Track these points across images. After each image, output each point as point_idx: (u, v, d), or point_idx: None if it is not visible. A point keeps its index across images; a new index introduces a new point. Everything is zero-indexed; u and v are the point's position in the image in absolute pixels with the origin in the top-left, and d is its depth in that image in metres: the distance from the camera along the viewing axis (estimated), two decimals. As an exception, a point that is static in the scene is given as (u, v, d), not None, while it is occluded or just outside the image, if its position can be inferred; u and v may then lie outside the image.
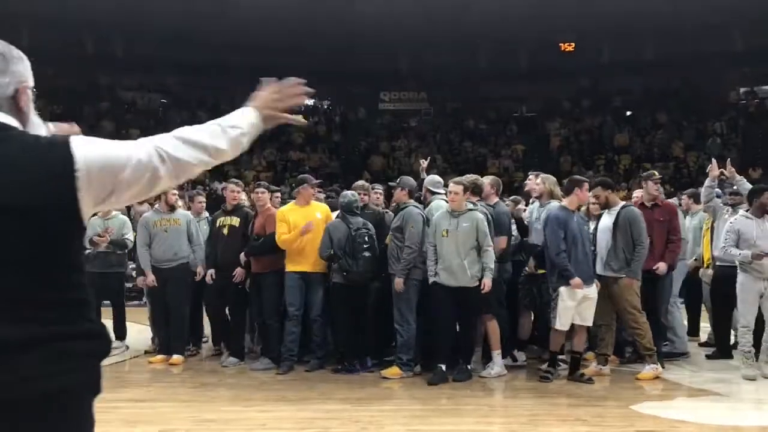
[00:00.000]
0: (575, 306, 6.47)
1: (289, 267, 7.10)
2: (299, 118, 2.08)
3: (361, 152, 25.38)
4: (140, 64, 24.39)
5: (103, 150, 1.68)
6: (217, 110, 22.82)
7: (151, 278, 7.64)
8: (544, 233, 6.62)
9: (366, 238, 6.91)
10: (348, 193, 7.25)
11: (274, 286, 7.17)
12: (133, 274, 10.26)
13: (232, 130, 1.86)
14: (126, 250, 8.67)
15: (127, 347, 8.46)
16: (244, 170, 23.29)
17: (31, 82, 1.81)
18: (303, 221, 7.01)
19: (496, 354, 6.82)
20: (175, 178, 1.78)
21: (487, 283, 6.50)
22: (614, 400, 5.93)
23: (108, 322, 8.31)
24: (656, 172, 7.68)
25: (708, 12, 21.07)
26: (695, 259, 8.21)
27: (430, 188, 7.42)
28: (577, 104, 26.26)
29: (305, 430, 5.15)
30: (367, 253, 6.88)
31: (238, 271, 7.37)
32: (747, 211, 6.88)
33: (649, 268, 6.94)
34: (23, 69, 1.79)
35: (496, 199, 7.29)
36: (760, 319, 6.82)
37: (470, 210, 6.58)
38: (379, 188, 8.14)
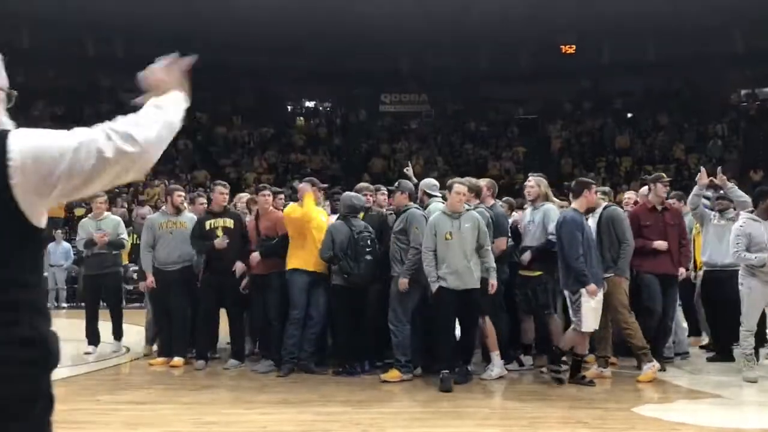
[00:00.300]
0: (598, 307, 6.42)
1: (296, 264, 7.02)
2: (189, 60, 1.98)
3: (361, 154, 25.38)
4: (141, 65, 24.38)
5: (39, 140, 1.59)
6: (217, 111, 22.91)
7: (150, 280, 7.63)
8: (558, 236, 6.46)
9: (368, 242, 6.91)
10: (351, 195, 7.21)
11: (280, 287, 7.14)
12: (135, 276, 10.29)
13: (168, 112, 1.79)
14: (120, 251, 8.68)
15: (128, 349, 8.47)
16: (245, 172, 23.31)
17: (5, 84, 1.78)
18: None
19: (495, 355, 6.82)
20: (136, 157, 1.65)
21: (494, 283, 6.54)
22: (615, 402, 5.92)
23: (107, 324, 8.37)
24: (665, 174, 7.60)
25: (709, 13, 21.08)
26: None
27: (428, 191, 7.42)
28: (578, 106, 26.27)
29: (306, 432, 5.14)
30: (369, 257, 6.88)
31: (239, 266, 7.32)
32: (752, 212, 6.85)
33: (666, 272, 6.99)
34: None
35: (493, 201, 7.32)
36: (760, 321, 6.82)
37: (468, 210, 6.58)
38: (385, 190, 8.11)
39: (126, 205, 18.35)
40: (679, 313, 8.02)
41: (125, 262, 12.52)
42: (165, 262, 7.64)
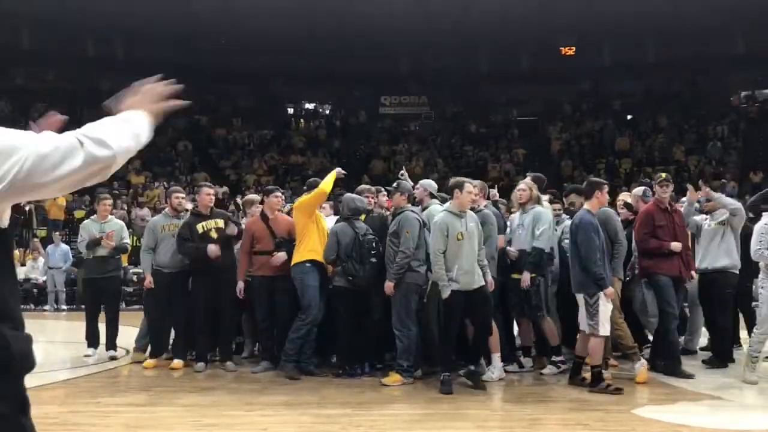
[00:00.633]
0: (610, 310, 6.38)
1: (310, 255, 6.94)
2: (181, 102, 1.94)
3: (361, 156, 25.40)
4: (141, 66, 24.43)
5: (3, 140, 1.56)
6: (217, 113, 22.96)
7: (149, 280, 7.62)
8: (573, 240, 6.36)
9: (373, 244, 6.91)
10: (354, 197, 7.18)
11: (288, 289, 7.10)
12: (135, 278, 10.30)
13: (135, 125, 1.76)
14: (121, 255, 8.66)
15: (128, 351, 8.45)
16: (245, 174, 23.31)
17: None
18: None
19: (497, 357, 6.80)
20: (107, 162, 1.63)
21: (490, 280, 6.54)
22: (615, 404, 5.90)
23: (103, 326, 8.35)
24: (663, 174, 7.53)
25: (709, 14, 21.11)
26: None
27: (431, 191, 7.43)
28: (578, 108, 26.28)
29: (306, 434, 5.13)
30: (373, 259, 6.88)
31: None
32: None
33: (680, 274, 6.96)
34: None
35: (485, 203, 7.32)
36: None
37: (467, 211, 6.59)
38: (386, 192, 8.09)
39: (126, 207, 18.35)
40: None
41: (125, 264, 12.53)
42: (166, 265, 7.61)
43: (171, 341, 7.98)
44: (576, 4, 21.01)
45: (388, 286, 6.66)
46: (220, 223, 7.50)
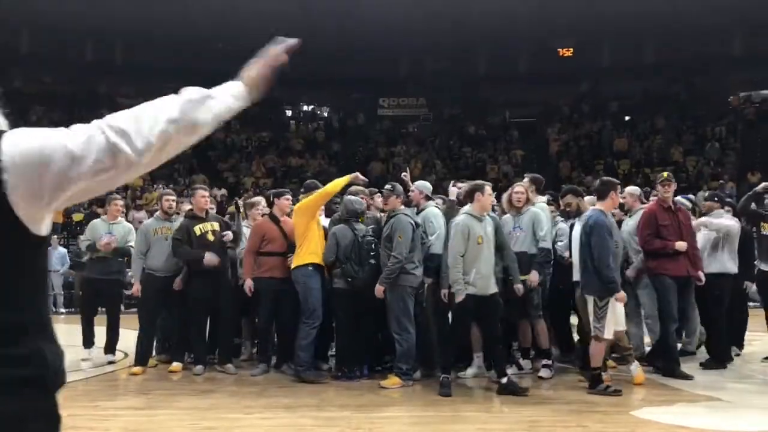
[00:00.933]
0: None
1: (312, 258, 6.92)
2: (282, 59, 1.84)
3: (360, 158, 25.40)
4: (139, 71, 24.43)
5: (31, 140, 1.45)
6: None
7: (136, 288, 7.55)
8: (586, 241, 6.28)
9: (372, 246, 6.91)
10: (352, 199, 7.17)
11: (294, 292, 7.06)
12: (132, 281, 10.24)
13: (207, 99, 1.62)
14: (124, 257, 8.63)
15: (126, 354, 8.44)
16: (243, 177, 23.32)
17: None
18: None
19: (478, 357, 6.90)
20: (133, 152, 1.49)
21: (520, 287, 6.64)
22: (614, 405, 5.91)
23: (103, 329, 8.34)
24: (666, 174, 7.44)
25: (707, 16, 21.14)
26: None
27: (428, 194, 7.44)
28: (576, 109, 26.30)
29: (305, 437, 5.13)
30: (372, 261, 6.88)
31: (208, 257, 7.21)
32: None
33: (687, 274, 6.89)
34: None
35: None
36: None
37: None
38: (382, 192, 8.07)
39: (124, 210, 18.33)
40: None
41: (125, 267, 12.50)
42: (159, 268, 7.56)
43: (156, 344, 7.99)
44: (574, 6, 21.03)
45: (379, 290, 6.65)
46: (216, 225, 7.48)
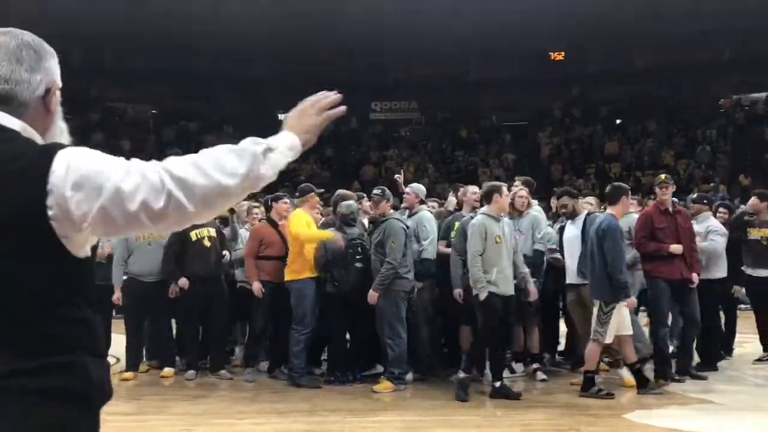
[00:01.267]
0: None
1: (309, 273, 6.94)
2: (339, 109, 1.85)
3: (352, 162, 25.40)
4: (130, 74, 24.37)
5: (85, 165, 1.41)
6: (208, 121, 22.90)
7: (117, 296, 7.39)
8: (599, 245, 6.26)
9: (359, 249, 6.89)
10: (345, 203, 7.18)
11: (288, 296, 7.06)
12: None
13: (259, 146, 1.55)
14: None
15: (117, 359, 8.41)
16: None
17: (60, 82, 1.61)
18: (315, 228, 7.11)
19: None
20: (190, 203, 1.44)
21: (533, 290, 6.65)
22: (606, 408, 5.93)
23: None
24: (663, 176, 7.40)
25: (698, 20, 21.26)
26: None
27: (422, 197, 7.45)
28: (567, 113, 26.38)
29: (297, 442, 5.12)
30: (358, 264, 6.85)
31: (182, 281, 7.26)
32: None
33: (683, 277, 6.84)
34: (55, 66, 1.60)
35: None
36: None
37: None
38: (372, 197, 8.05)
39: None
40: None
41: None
42: (143, 273, 7.46)
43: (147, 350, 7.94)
44: (566, 10, 21.11)
45: (372, 296, 6.64)
46: (213, 231, 7.46)
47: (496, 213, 6.39)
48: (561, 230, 7.15)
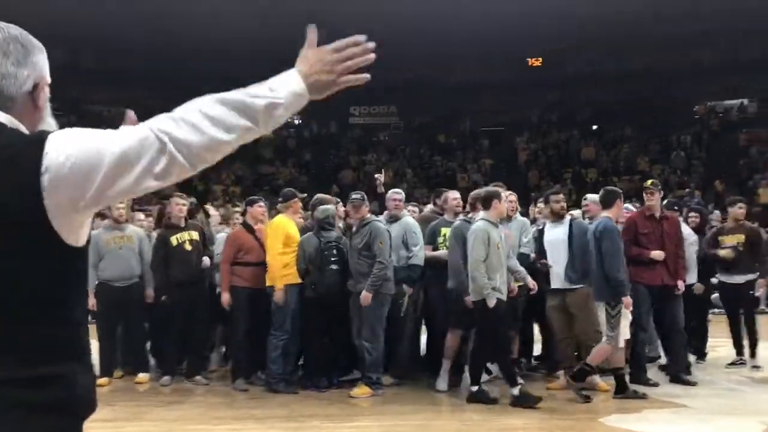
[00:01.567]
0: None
1: (293, 280, 6.89)
2: (361, 77, 1.63)
3: (331, 166, 25.38)
4: (109, 75, 24.18)
5: (80, 141, 1.37)
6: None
7: (92, 302, 7.23)
8: (596, 246, 6.32)
9: (335, 251, 6.87)
10: (321, 207, 7.15)
11: (268, 302, 6.97)
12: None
13: (259, 100, 1.46)
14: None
15: (92, 366, 8.31)
16: (212, 184, 23.14)
17: (49, 78, 1.58)
18: (297, 234, 7.02)
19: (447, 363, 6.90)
20: (189, 164, 1.41)
21: (514, 287, 6.65)
22: (584, 412, 5.96)
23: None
24: (650, 182, 7.43)
25: (673, 27, 21.53)
26: None
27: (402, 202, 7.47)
28: (545, 118, 26.59)
29: (274, 448, 5.09)
30: (334, 266, 6.83)
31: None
32: None
33: (664, 283, 6.87)
34: (43, 62, 1.57)
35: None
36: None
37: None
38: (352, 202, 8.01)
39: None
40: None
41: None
42: (115, 278, 7.36)
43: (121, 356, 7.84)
44: (544, 16, 21.27)
45: (366, 297, 6.60)
46: (195, 235, 7.38)
47: (495, 218, 6.38)
48: (540, 233, 7.15)
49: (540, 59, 26.42)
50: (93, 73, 24.24)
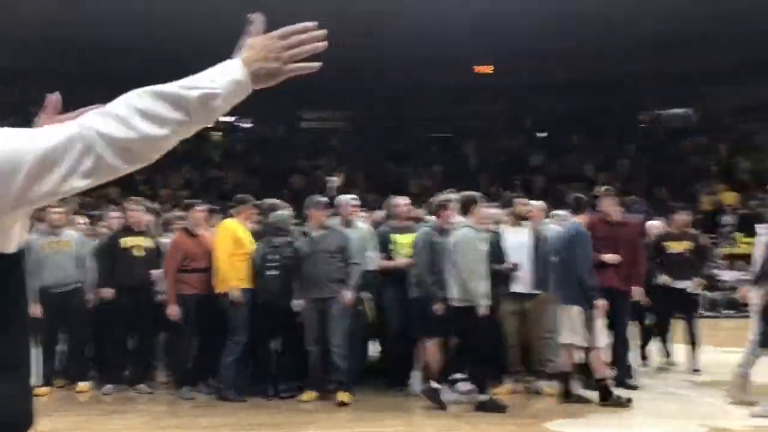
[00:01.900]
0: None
1: (245, 284, 6.80)
2: (311, 65, 1.52)
3: (281, 171, 25.19)
4: (55, 78, 23.57)
5: (1, 143, 1.28)
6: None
7: (36, 310, 6.82)
8: (566, 250, 6.41)
9: (277, 257, 6.81)
10: (277, 213, 7.07)
11: (222, 309, 6.89)
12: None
13: (194, 91, 1.37)
14: None
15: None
16: (159, 189, 22.75)
17: None
18: (249, 238, 6.95)
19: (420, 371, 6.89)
20: (120, 161, 1.33)
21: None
22: (529, 417, 6.01)
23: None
24: (604, 188, 7.53)
25: (619, 36, 22.02)
26: None
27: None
28: (494, 125, 26.93)
29: (219, 457, 5.00)
30: (273, 272, 6.77)
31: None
32: None
33: (612, 286, 6.89)
34: None
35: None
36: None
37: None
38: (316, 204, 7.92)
39: (30, 224, 17.58)
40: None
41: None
42: (56, 285, 7.13)
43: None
44: (494, 24, 21.52)
45: (349, 298, 6.54)
46: (149, 242, 7.25)
47: (476, 224, 6.33)
48: (496, 237, 7.13)
49: (491, 67, 26.72)
50: (35, 75, 23.61)
